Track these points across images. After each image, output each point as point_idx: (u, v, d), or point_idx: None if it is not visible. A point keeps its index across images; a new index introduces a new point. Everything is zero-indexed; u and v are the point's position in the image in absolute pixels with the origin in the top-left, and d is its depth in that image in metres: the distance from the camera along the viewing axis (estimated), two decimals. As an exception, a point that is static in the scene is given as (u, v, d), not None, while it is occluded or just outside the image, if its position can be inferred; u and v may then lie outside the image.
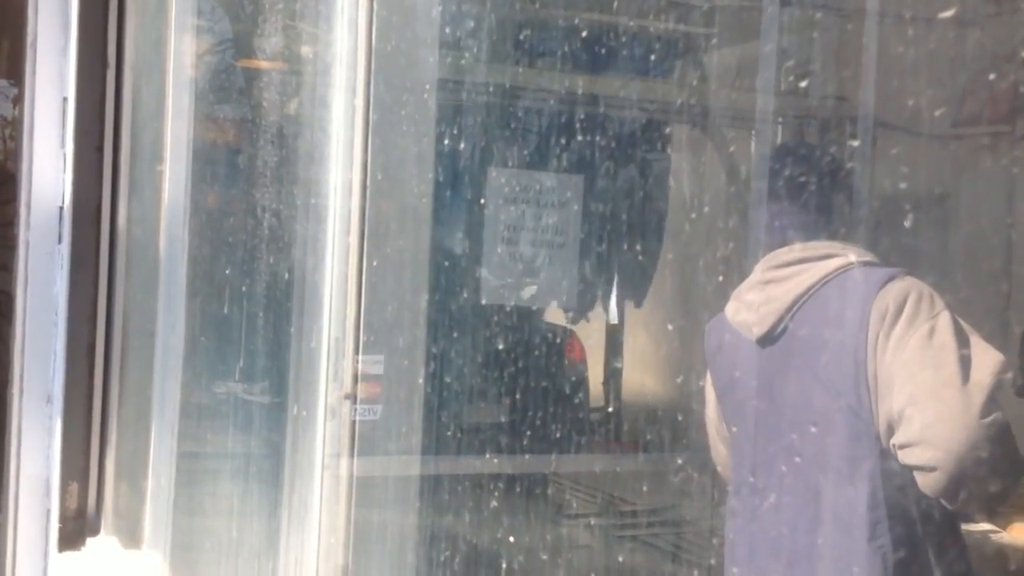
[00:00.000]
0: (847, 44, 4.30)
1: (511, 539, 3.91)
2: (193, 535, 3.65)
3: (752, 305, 2.51)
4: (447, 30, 3.31)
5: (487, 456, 3.93)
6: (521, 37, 3.86)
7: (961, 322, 2.34)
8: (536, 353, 4.23)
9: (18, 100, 3.37)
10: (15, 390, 3.34)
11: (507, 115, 3.91)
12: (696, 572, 4.18)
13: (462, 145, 3.50)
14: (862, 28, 4.20)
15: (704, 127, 4.51)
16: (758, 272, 2.58)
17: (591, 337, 4.35)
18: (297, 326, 2.94)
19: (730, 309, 2.61)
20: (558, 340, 4.27)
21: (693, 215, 4.28)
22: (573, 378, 4.39)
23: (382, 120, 2.69)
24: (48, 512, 3.44)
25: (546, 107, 3.99)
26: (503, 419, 3.92)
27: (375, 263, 2.72)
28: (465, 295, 3.75)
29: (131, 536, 3.59)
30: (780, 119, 4.55)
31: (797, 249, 2.52)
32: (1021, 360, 2.82)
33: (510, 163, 3.86)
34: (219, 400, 3.61)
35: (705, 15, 4.45)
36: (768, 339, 2.46)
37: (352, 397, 2.91)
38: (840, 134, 4.49)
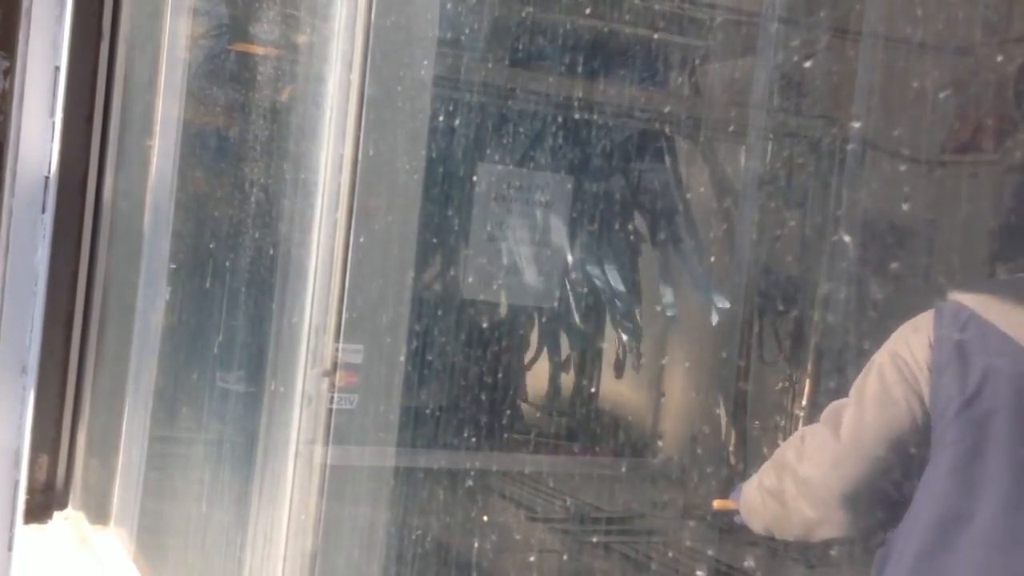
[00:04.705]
0: (841, 68, 4.33)
1: (480, 535, 3.89)
2: (162, 512, 3.62)
3: None
4: (448, 6, 3.30)
5: (461, 450, 3.91)
6: (523, 15, 3.86)
7: None
8: (517, 350, 4.22)
9: (9, 72, 3.35)
10: (-10, 358, 3.30)
11: (504, 99, 3.90)
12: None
13: (457, 123, 3.49)
14: (856, 54, 4.23)
15: (695, 137, 4.52)
16: None
17: (576, 337, 4.33)
18: (279, 301, 2.92)
19: (1004, 319, 2.33)
20: (541, 338, 4.26)
21: (679, 218, 4.27)
22: (552, 377, 4.37)
23: (377, 95, 2.67)
24: (16, 483, 3.40)
25: (542, 99, 3.98)
26: (480, 414, 3.90)
27: (362, 239, 2.70)
28: (451, 274, 3.74)
29: (99, 512, 3.56)
30: (771, 134, 4.57)
31: None
32: None
33: (502, 152, 3.86)
34: (196, 378, 3.59)
35: (702, 27, 4.47)
36: None
37: (330, 375, 2.89)
38: (831, 153, 4.50)
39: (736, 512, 2.83)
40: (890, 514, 2.44)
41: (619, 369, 4.30)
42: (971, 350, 2.35)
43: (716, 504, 3.00)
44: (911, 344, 2.41)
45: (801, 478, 2.44)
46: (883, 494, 2.46)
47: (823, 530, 2.45)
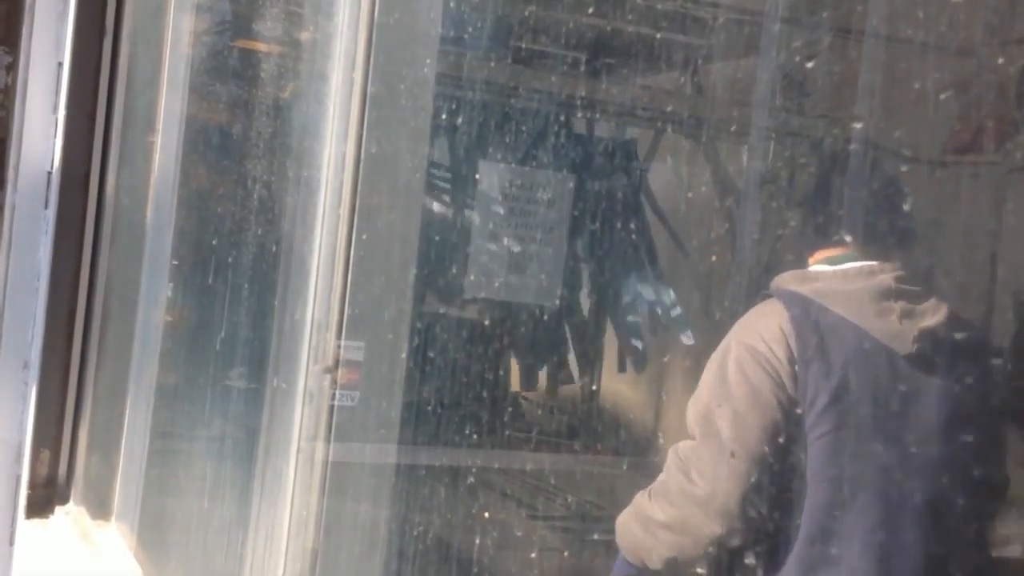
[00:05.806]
0: (843, 68, 4.33)
1: (481, 532, 3.89)
2: (164, 508, 3.62)
3: (889, 314, 2.36)
4: (451, 4, 3.31)
5: (462, 447, 3.92)
6: (526, 14, 3.86)
7: None
8: (517, 348, 4.23)
9: (11, 67, 3.35)
10: (-7, 353, 3.30)
11: (506, 97, 3.91)
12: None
13: (459, 121, 3.49)
14: (860, 53, 4.23)
15: (697, 137, 4.53)
16: (885, 277, 2.40)
17: (577, 335, 4.34)
18: (282, 298, 2.92)
19: (848, 310, 2.39)
20: (542, 336, 4.26)
21: (680, 218, 4.28)
22: (553, 375, 4.38)
23: (380, 93, 2.68)
24: (18, 478, 3.40)
25: (544, 97, 3.99)
26: (481, 411, 3.91)
27: (364, 237, 2.71)
28: (453, 271, 3.74)
29: (100, 507, 3.57)
30: (773, 134, 4.57)
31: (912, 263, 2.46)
32: None
33: (504, 150, 3.87)
34: (198, 374, 3.59)
35: (705, 27, 4.47)
36: (920, 357, 2.34)
37: (332, 372, 2.89)
38: (834, 152, 4.50)
39: None
40: (785, 507, 2.47)
41: (621, 367, 4.30)
42: (830, 341, 2.36)
43: None
44: (765, 337, 2.40)
45: (699, 497, 2.41)
46: (776, 490, 2.47)
47: (731, 541, 2.44)
